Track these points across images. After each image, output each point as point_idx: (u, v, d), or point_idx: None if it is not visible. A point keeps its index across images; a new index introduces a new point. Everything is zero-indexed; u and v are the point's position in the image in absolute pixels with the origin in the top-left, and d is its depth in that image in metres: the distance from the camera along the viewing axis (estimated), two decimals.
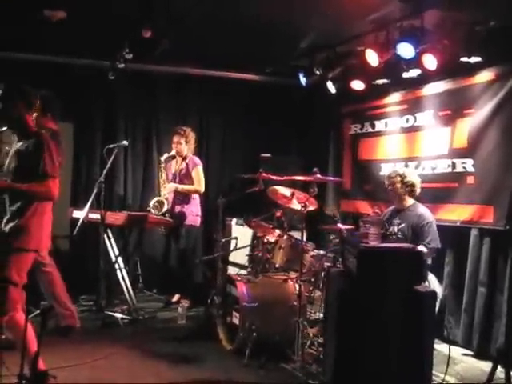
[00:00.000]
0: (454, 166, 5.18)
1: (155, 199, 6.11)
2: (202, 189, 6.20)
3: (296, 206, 4.89)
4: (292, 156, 7.20)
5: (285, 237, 4.97)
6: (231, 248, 5.99)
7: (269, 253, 5.02)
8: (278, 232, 5.05)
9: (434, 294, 3.74)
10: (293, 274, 4.86)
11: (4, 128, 3.71)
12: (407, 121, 5.84)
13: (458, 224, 5.07)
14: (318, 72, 5.96)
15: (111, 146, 5.49)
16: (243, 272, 5.61)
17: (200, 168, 6.20)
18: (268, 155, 6.69)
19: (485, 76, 4.87)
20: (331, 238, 4.94)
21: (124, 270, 5.73)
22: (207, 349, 4.69)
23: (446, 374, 3.98)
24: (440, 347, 4.63)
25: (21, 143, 3.62)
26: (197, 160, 6.24)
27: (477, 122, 4.94)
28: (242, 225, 6.24)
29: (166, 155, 6.20)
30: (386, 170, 6.06)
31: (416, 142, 5.70)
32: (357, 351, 3.46)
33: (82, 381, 3.85)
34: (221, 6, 4.70)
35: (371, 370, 3.43)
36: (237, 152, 7.36)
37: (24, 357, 3.09)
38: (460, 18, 4.52)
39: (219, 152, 7.34)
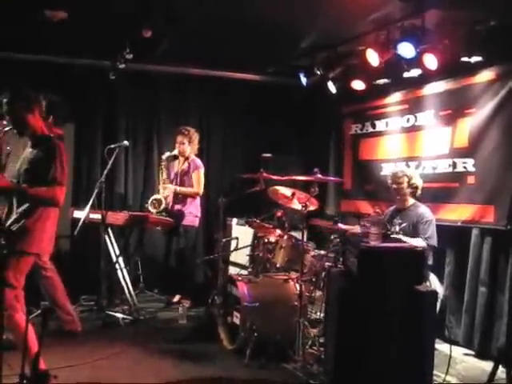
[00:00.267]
0: (454, 165, 5.18)
1: (153, 197, 6.11)
2: (201, 192, 6.20)
3: (297, 205, 4.89)
4: (293, 156, 7.19)
5: (285, 237, 4.97)
6: (232, 248, 5.99)
7: (270, 253, 5.02)
8: (278, 232, 5.05)
9: (434, 293, 3.74)
10: (294, 274, 4.86)
11: (7, 128, 3.71)
12: (408, 120, 5.83)
13: (459, 224, 5.07)
14: (318, 72, 5.96)
15: (112, 146, 5.49)
16: (244, 272, 5.61)
17: (201, 171, 6.21)
18: (269, 155, 6.69)
19: (485, 75, 4.87)
20: (332, 237, 4.94)
21: (125, 270, 5.73)
22: (208, 349, 4.69)
23: (446, 373, 3.98)
24: (441, 347, 4.63)
25: (32, 148, 3.65)
26: (199, 163, 6.24)
27: (477, 122, 4.94)
28: (242, 225, 6.24)
29: (167, 153, 6.20)
30: (386, 170, 6.06)
31: (417, 142, 5.70)
32: (358, 351, 3.46)
33: (82, 380, 3.85)
34: (221, 5, 4.70)
35: (372, 369, 3.44)
36: (237, 152, 7.36)
37: (25, 357, 3.09)
38: (460, 18, 4.53)
39: (220, 152, 7.34)
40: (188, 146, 6.17)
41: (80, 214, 5.20)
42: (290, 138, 7.44)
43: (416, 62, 4.90)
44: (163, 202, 6.03)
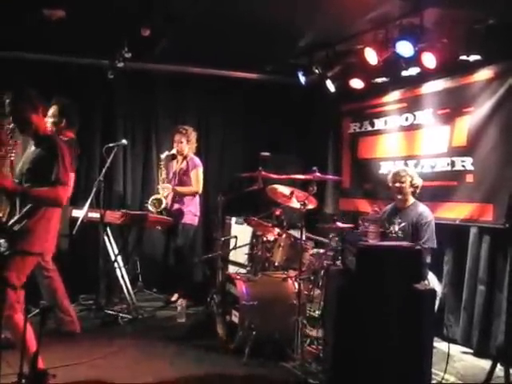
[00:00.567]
0: (453, 164, 5.18)
1: (153, 197, 6.11)
2: (200, 190, 6.20)
3: (295, 204, 4.89)
4: (291, 155, 7.19)
5: (284, 235, 4.97)
6: (231, 247, 5.99)
7: (268, 251, 5.03)
8: (277, 231, 5.06)
9: (433, 292, 3.74)
10: (292, 273, 4.86)
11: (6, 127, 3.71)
12: (406, 119, 5.84)
13: (458, 222, 5.07)
14: (317, 71, 5.96)
15: (110, 144, 5.48)
16: (243, 271, 5.62)
17: (200, 169, 6.20)
18: (267, 154, 6.70)
19: (484, 74, 4.87)
20: (330, 236, 4.95)
21: (123, 269, 5.73)
22: (207, 347, 4.69)
23: (445, 372, 3.98)
24: (439, 345, 4.63)
25: (35, 147, 3.65)
26: (197, 161, 6.24)
27: (476, 121, 4.94)
28: (241, 223, 6.25)
29: (166, 153, 6.21)
30: (385, 169, 6.07)
31: (415, 141, 5.70)
32: (356, 349, 3.46)
33: (81, 379, 3.85)
34: (220, 4, 4.69)
35: (370, 368, 3.44)
36: (236, 151, 7.36)
37: (24, 356, 3.10)
38: (459, 16, 4.53)
39: (218, 151, 7.34)
40: (186, 144, 6.17)
41: (79, 213, 5.20)
42: (288, 137, 7.44)
43: (414, 60, 4.90)
44: (163, 201, 6.03)
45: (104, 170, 5.32)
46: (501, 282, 4.68)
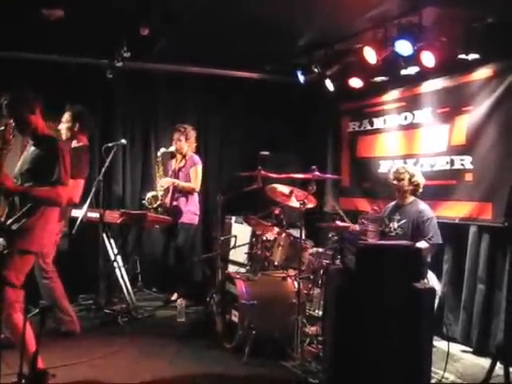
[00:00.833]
0: (452, 163, 5.18)
1: (150, 193, 6.11)
2: (198, 188, 6.18)
3: (295, 203, 4.89)
4: (291, 154, 7.19)
5: (283, 234, 4.98)
6: (230, 246, 5.99)
7: (268, 251, 5.03)
8: (276, 230, 5.06)
9: (432, 290, 3.73)
10: (292, 272, 4.86)
11: (2, 128, 3.70)
12: (405, 118, 5.84)
13: (457, 221, 5.08)
14: (316, 70, 5.96)
15: (109, 144, 5.48)
16: (242, 270, 5.62)
17: (199, 167, 6.20)
18: (267, 153, 6.70)
19: (483, 73, 4.87)
20: (330, 235, 4.95)
21: (123, 269, 5.73)
22: (206, 347, 4.69)
23: (445, 370, 3.99)
24: (439, 344, 4.63)
25: (34, 147, 3.65)
26: (196, 159, 6.24)
27: (475, 119, 4.94)
28: (241, 223, 6.25)
29: (162, 149, 6.20)
30: (384, 168, 6.07)
31: (414, 140, 5.70)
32: (356, 348, 3.46)
33: (81, 379, 3.85)
34: (218, 3, 4.69)
35: (370, 367, 3.44)
36: (235, 150, 7.36)
37: (23, 356, 3.09)
38: (458, 15, 4.53)
39: (218, 150, 7.34)
40: (185, 142, 6.17)
41: (78, 213, 5.20)
42: (287, 136, 7.44)
43: (413, 59, 4.90)
44: (159, 198, 6.04)
45: (103, 170, 5.32)
46: (500, 280, 4.68)
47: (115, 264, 5.62)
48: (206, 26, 5.26)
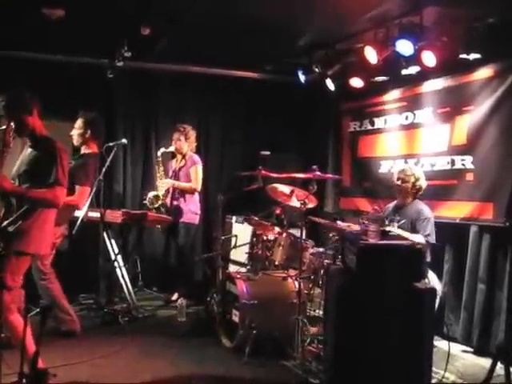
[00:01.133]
0: (453, 162, 5.18)
1: (151, 193, 6.12)
2: (199, 188, 6.19)
3: (295, 203, 4.89)
4: (291, 153, 7.19)
5: (284, 234, 4.97)
6: (231, 246, 5.99)
7: (268, 250, 5.03)
8: (277, 230, 5.06)
9: (433, 290, 3.73)
10: (292, 272, 4.86)
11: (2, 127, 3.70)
12: (406, 118, 5.83)
13: (458, 221, 5.07)
14: (317, 70, 5.96)
15: (110, 144, 5.48)
16: (243, 270, 5.62)
17: (199, 167, 6.20)
18: (267, 153, 6.70)
19: (484, 73, 4.86)
20: (331, 235, 4.94)
21: (124, 269, 5.73)
22: (207, 346, 4.69)
23: (445, 370, 3.99)
24: (440, 344, 4.63)
25: (31, 148, 3.64)
26: (196, 158, 6.24)
27: (476, 119, 4.94)
28: (241, 222, 6.25)
29: (162, 149, 6.22)
30: (385, 168, 6.07)
31: (415, 139, 5.70)
32: (356, 348, 3.46)
33: (81, 379, 3.85)
34: (219, 3, 4.69)
35: (371, 367, 3.43)
36: (236, 150, 7.36)
37: (24, 355, 3.09)
38: (459, 15, 4.52)
39: (219, 150, 7.34)
40: (185, 142, 6.17)
41: (78, 213, 5.19)
42: (288, 136, 7.43)
43: (414, 59, 4.89)
44: (160, 197, 6.04)
45: (104, 170, 5.32)
46: (501, 280, 4.68)
47: (116, 263, 5.63)
48: (206, 25, 5.26)
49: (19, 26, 5.22)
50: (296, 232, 4.99)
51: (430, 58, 4.78)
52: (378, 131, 6.28)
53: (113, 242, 5.71)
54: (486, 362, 4.43)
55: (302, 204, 4.60)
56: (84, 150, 5.12)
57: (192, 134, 6.25)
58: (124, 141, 5.67)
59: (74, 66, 6.34)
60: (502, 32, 4.46)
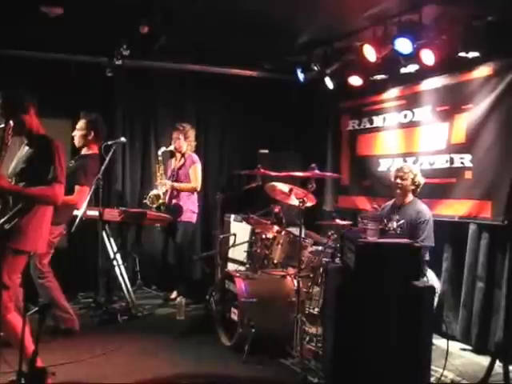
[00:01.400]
0: (452, 161, 5.18)
1: (151, 192, 6.12)
2: (199, 187, 6.20)
3: (294, 201, 4.88)
4: (290, 152, 7.19)
5: (283, 233, 4.97)
6: (230, 244, 5.99)
7: (267, 249, 5.03)
8: (276, 228, 5.06)
9: (432, 289, 3.73)
10: (291, 270, 4.87)
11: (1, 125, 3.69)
12: (405, 116, 5.83)
13: (456, 219, 5.07)
14: (315, 68, 5.96)
15: (109, 142, 5.46)
16: (242, 268, 5.62)
17: (198, 166, 6.20)
18: (266, 151, 6.70)
19: (483, 71, 4.86)
20: (329, 233, 4.95)
21: (122, 267, 5.73)
22: (206, 345, 4.69)
23: (444, 368, 3.98)
24: (438, 342, 4.63)
25: (28, 147, 3.64)
26: (195, 158, 6.24)
27: (475, 118, 4.93)
28: (240, 221, 6.25)
29: (163, 149, 6.22)
30: (384, 166, 6.07)
31: (414, 138, 5.70)
32: (355, 347, 3.47)
33: (80, 377, 3.86)
34: (218, 1, 4.69)
35: (370, 365, 3.44)
36: (235, 148, 7.36)
37: (22, 354, 3.09)
38: (458, 13, 4.52)
39: (217, 148, 7.34)
40: (184, 141, 6.17)
41: (77, 211, 5.19)
42: (287, 134, 7.44)
43: (413, 57, 4.89)
44: (161, 197, 6.04)
45: (103, 168, 5.31)
46: (499, 278, 4.69)
47: (115, 262, 5.62)
48: (205, 24, 5.25)
49: (18, 24, 5.21)
50: (295, 230, 4.99)
51: (428, 57, 4.78)
52: (377, 129, 6.28)
53: (112, 240, 5.70)
54: (484, 360, 4.43)
55: (300, 202, 4.60)
56: (84, 151, 5.11)
57: (191, 133, 6.25)
58: (123, 139, 5.66)
59: (72, 65, 6.34)
60: (500, 30, 4.46)
